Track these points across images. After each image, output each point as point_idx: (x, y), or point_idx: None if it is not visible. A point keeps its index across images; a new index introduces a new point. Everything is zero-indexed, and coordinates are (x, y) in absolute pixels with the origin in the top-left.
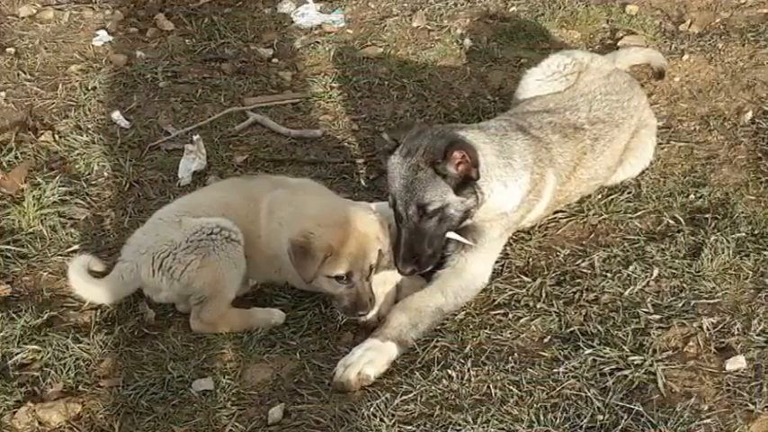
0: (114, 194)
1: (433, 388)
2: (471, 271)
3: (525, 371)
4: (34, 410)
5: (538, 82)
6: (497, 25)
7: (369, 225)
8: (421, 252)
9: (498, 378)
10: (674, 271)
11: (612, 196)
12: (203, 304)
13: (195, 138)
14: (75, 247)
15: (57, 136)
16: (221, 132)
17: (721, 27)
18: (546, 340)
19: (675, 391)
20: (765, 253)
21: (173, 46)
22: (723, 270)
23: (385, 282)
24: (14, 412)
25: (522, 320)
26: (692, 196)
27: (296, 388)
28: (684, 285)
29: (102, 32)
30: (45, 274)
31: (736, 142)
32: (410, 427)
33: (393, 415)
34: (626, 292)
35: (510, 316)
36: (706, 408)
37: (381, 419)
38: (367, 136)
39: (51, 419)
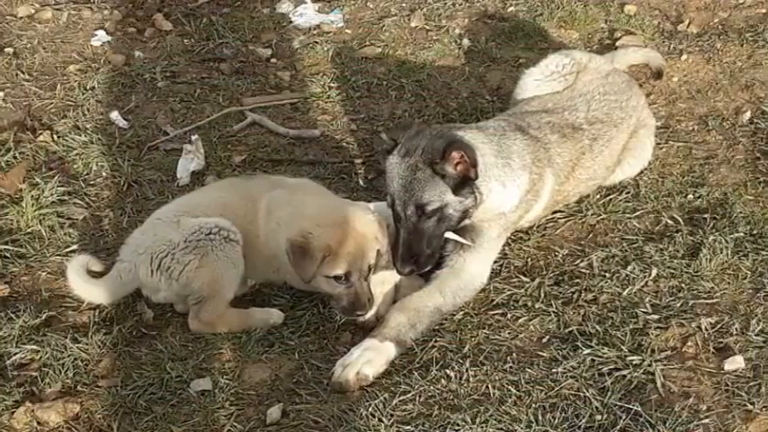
0: (113, 194)
1: (432, 388)
2: (470, 271)
3: (524, 371)
4: (33, 410)
5: (536, 82)
6: (496, 25)
7: (367, 225)
8: (419, 252)
9: (497, 378)
10: (672, 271)
11: (611, 196)
12: (202, 304)
13: (194, 138)
14: (74, 247)
15: (55, 136)
16: (220, 132)
17: (720, 27)
18: (544, 340)
19: (674, 391)
20: (764, 253)
21: (171, 46)
22: (721, 270)
23: (383, 282)
24: (13, 412)
25: (520, 320)
26: (690, 196)
27: (294, 388)
28: (683, 285)
29: (101, 32)
30: (43, 274)
31: (734, 142)
32: (408, 427)
33: (391, 415)
34: (624, 292)
35: (508, 316)
36: (704, 408)
37: (380, 419)
38: (365, 136)
39: (50, 419)
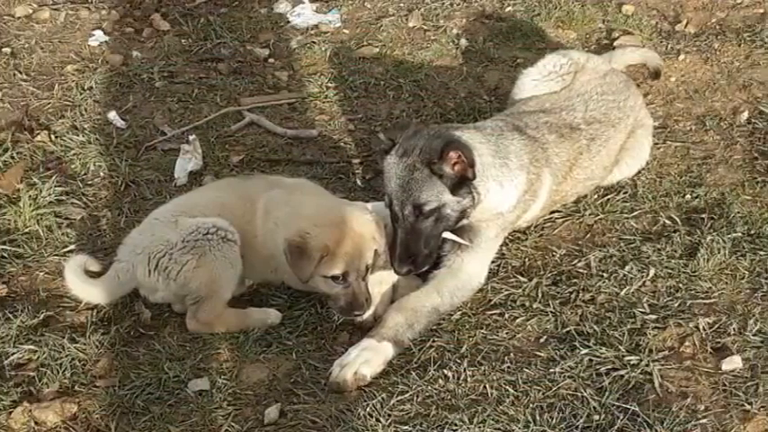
0: (110, 194)
1: (430, 388)
2: (467, 271)
3: (521, 371)
4: (30, 410)
5: (534, 82)
6: (493, 25)
7: (365, 225)
8: (417, 252)
9: (494, 378)
10: (670, 271)
11: (609, 196)
12: (199, 304)
13: (191, 138)
14: (72, 247)
15: (53, 136)
16: (217, 132)
17: (717, 27)
18: (542, 340)
19: (671, 391)
20: (761, 253)
21: (169, 46)
22: (719, 270)
23: (381, 282)
24: (10, 412)
25: (518, 320)
26: (688, 196)
27: (292, 388)
28: (680, 285)
29: (99, 32)
30: (41, 274)
31: (732, 142)
32: (406, 427)
33: (389, 415)
34: (622, 292)
35: (506, 316)
36: (702, 408)
37: (377, 419)
38: (363, 136)
39: (47, 419)
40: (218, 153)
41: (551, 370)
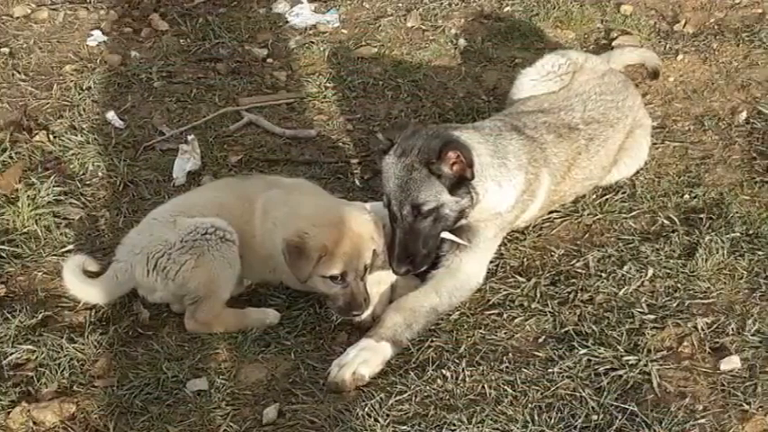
0: (109, 194)
1: (428, 388)
2: (466, 271)
3: (520, 371)
4: (29, 410)
5: (532, 82)
6: (492, 25)
7: (363, 225)
8: (415, 252)
9: (493, 378)
10: (668, 271)
11: (607, 196)
12: (198, 304)
13: (190, 138)
14: (70, 247)
15: (51, 136)
16: (216, 132)
17: (716, 27)
18: (540, 340)
19: (670, 391)
20: (760, 253)
21: (167, 46)
22: (718, 270)
23: (380, 282)
24: (9, 412)
25: (516, 320)
26: (686, 196)
27: (290, 388)
28: (679, 285)
29: (97, 32)
30: (39, 274)
31: (730, 142)
32: (405, 427)
33: (388, 415)
34: (620, 292)
35: (504, 316)
36: (700, 408)
37: (376, 419)
38: (362, 136)
39: (46, 419)
40: (216, 153)
41: (550, 370)
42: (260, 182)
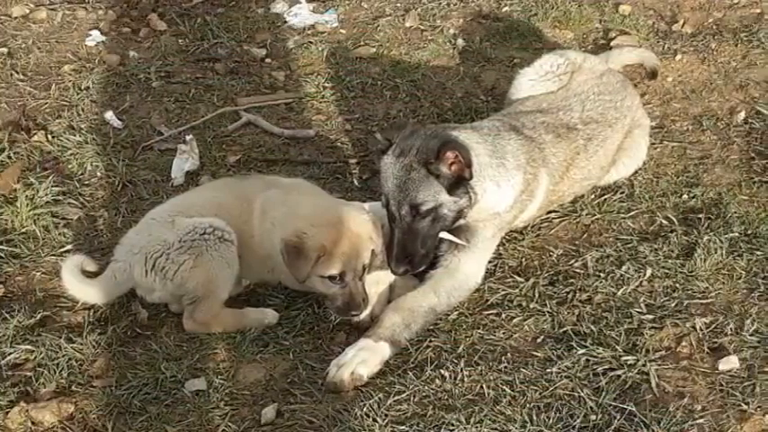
0: (107, 194)
1: (426, 388)
2: (464, 271)
3: (518, 371)
4: (27, 410)
5: (531, 82)
6: (490, 25)
7: (362, 225)
8: (414, 252)
9: (491, 378)
10: (666, 271)
11: (605, 196)
12: (196, 304)
13: (188, 138)
14: (68, 247)
15: (50, 136)
16: (214, 132)
17: (714, 27)
18: (539, 340)
19: (668, 391)
20: (758, 253)
21: (166, 46)
22: (716, 270)
23: (378, 282)
24: (7, 412)
25: (515, 320)
26: (684, 196)
27: (289, 388)
28: (677, 285)
29: (95, 32)
30: (38, 274)
31: (728, 142)
32: (403, 427)
33: (386, 415)
34: (619, 292)
35: (503, 316)
36: (699, 408)
37: (374, 419)
38: (360, 136)
39: (44, 419)
40: (215, 153)
41: (548, 370)
42: (258, 182)
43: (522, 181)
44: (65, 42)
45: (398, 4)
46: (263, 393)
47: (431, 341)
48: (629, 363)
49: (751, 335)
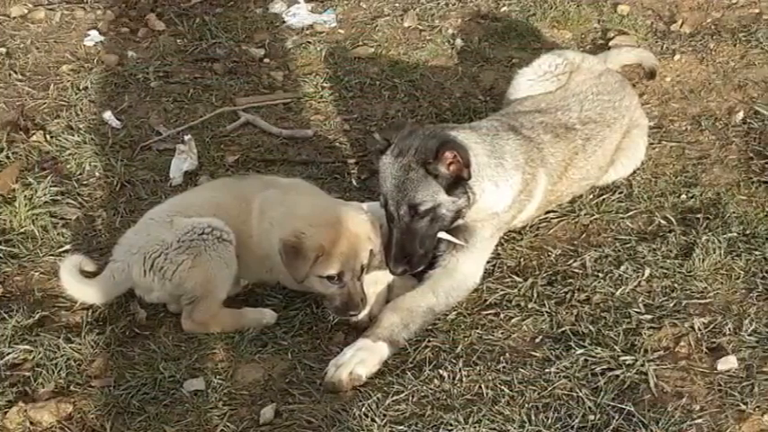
0: (106, 194)
1: (425, 388)
2: (463, 271)
3: (517, 371)
4: (25, 410)
5: (529, 82)
6: (489, 25)
7: (360, 225)
8: (412, 252)
9: (490, 378)
10: (665, 271)
11: (604, 196)
12: (195, 304)
13: (186, 138)
14: (67, 247)
15: (48, 136)
16: (213, 132)
17: (713, 27)
18: (537, 340)
19: (667, 391)
20: (756, 253)
21: (164, 46)
22: (714, 270)
23: (376, 282)
24: (6, 412)
25: (513, 320)
26: (683, 196)
27: (287, 388)
28: (676, 285)
29: (94, 32)
30: (36, 274)
31: (727, 142)
32: (401, 427)
33: (384, 415)
34: (617, 292)
35: (501, 316)
36: (697, 408)
37: (373, 419)
38: (358, 136)
39: (43, 419)
40: (213, 153)
41: (547, 370)
42: (257, 182)
43: (520, 181)
44: (63, 42)
45: (397, 4)
46: (262, 393)
47: (429, 341)
48: (627, 363)
49: (749, 335)
